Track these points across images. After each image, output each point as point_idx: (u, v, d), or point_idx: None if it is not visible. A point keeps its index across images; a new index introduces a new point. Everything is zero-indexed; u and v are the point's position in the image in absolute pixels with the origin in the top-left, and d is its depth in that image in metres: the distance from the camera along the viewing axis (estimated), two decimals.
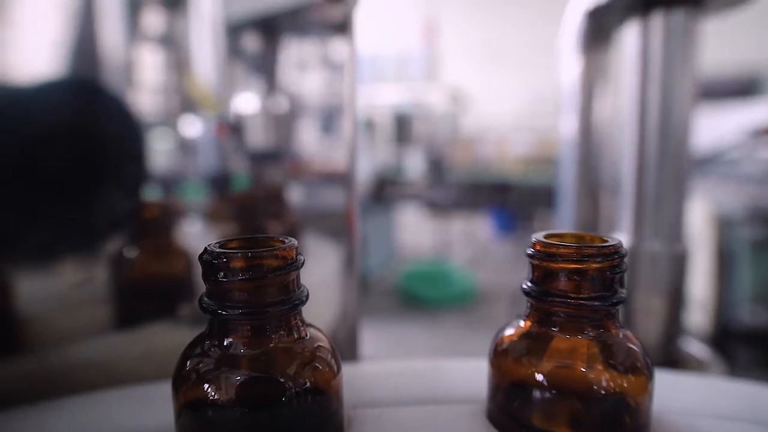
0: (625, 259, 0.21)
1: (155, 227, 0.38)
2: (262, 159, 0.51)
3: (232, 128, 0.47)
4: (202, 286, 0.20)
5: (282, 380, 0.19)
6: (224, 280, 0.19)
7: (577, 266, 0.21)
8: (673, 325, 0.49)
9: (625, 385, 0.21)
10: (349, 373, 0.22)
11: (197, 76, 0.44)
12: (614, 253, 0.21)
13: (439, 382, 0.29)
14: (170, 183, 0.42)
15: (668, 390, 0.27)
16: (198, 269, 0.20)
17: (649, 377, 0.21)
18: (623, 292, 0.21)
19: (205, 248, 0.20)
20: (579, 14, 0.57)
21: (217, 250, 0.19)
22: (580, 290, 0.21)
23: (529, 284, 0.22)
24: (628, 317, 0.49)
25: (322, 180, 0.59)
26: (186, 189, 0.43)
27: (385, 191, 2.66)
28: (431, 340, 2.20)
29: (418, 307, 2.50)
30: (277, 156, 0.52)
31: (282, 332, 0.20)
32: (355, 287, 0.51)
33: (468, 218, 2.78)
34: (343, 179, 0.52)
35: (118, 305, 0.36)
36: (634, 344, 0.22)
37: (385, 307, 2.52)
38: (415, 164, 2.81)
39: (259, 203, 0.48)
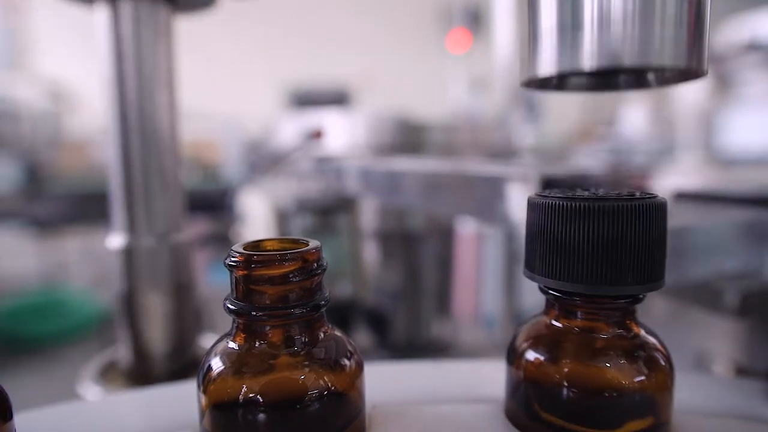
0: (322, 263, 0.21)
1: None
2: None
3: None
4: None
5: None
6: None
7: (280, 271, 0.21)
8: (184, 321, 0.48)
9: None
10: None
11: None
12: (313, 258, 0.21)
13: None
14: None
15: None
16: None
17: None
18: (326, 295, 0.21)
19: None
20: None
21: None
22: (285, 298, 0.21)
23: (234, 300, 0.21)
24: (133, 318, 0.46)
25: None
26: None
27: None
28: (48, 386, 1.82)
29: (24, 350, 2.04)
30: None
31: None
32: None
33: (86, 233, 2.41)
34: None
35: None
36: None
37: None
38: (4, 174, 2.27)
39: None
